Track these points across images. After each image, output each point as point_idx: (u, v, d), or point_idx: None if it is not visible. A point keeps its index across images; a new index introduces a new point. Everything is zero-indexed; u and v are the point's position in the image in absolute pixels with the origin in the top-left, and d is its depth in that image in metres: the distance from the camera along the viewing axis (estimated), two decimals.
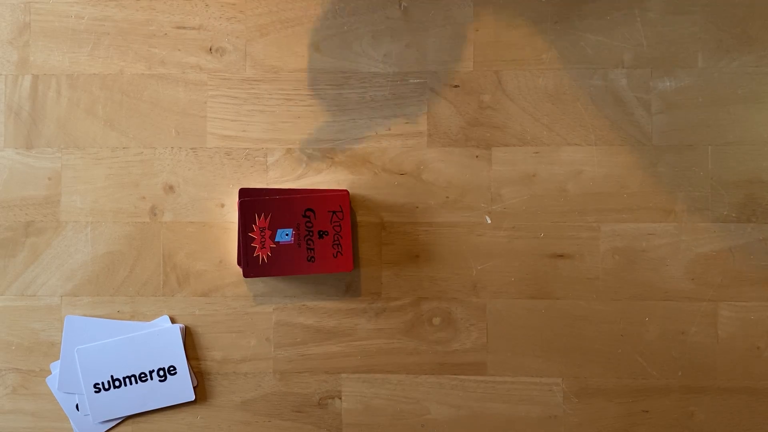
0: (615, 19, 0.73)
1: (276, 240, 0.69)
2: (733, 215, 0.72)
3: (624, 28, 0.73)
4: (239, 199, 0.69)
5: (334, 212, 0.69)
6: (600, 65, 0.73)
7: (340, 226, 0.69)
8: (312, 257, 0.69)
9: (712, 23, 0.72)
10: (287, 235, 0.69)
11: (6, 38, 0.75)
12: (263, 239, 0.69)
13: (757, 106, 0.72)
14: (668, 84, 0.72)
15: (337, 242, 0.69)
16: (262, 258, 0.69)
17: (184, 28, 0.74)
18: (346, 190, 0.70)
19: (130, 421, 0.73)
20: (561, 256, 0.72)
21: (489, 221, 0.73)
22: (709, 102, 0.72)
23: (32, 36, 0.75)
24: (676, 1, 0.73)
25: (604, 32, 0.73)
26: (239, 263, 0.71)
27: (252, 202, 0.69)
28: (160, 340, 0.72)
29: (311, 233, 0.69)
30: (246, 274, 0.69)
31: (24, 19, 0.75)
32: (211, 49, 0.74)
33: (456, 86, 0.73)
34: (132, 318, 0.73)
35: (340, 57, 0.73)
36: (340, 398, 0.72)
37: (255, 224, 0.69)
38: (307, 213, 0.69)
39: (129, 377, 0.72)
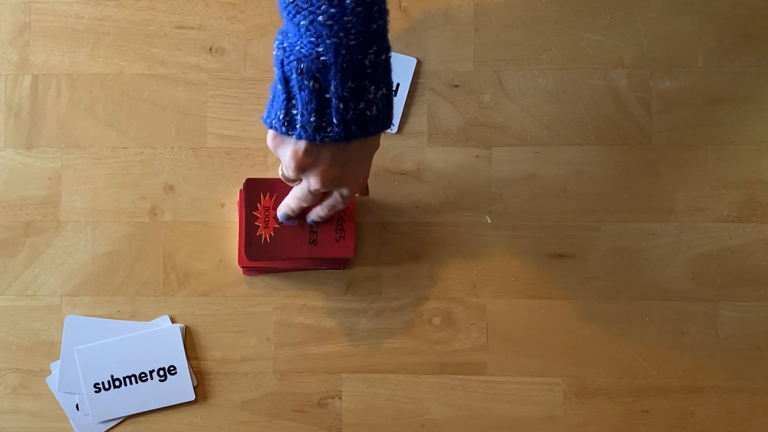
0: (615, 19, 0.73)
1: (280, 221, 0.68)
2: (733, 215, 0.72)
3: (624, 28, 0.73)
4: (246, 183, 0.69)
5: None
6: (600, 65, 0.73)
7: (344, 210, 0.69)
8: (314, 240, 0.68)
9: (712, 23, 0.72)
10: None
11: (6, 38, 0.75)
12: (267, 219, 0.68)
13: (757, 106, 0.72)
14: (668, 84, 0.72)
15: (340, 226, 0.69)
16: (265, 238, 0.68)
17: (184, 28, 0.74)
18: None
19: (130, 421, 0.73)
20: (561, 256, 0.72)
21: (489, 221, 0.73)
22: (709, 102, 0.72)
23: (32, 36, 0.75)
24: (676, 1, 0.73)
25: (604, 32, 0.73)
26: (240, 262, 0.71)
27: (258, 181, 0.68)
28: (160, 340, 0.72)
29: None
30: (248, 254, 0.68)
31: (24, 19, 0.75)
32: (211, 49, 0.74)
33: (456, 86, 0.73)
34: (132, 318, 0.73)
35: None
36: (340, 398, 0.73)
37: (260, 203, 0.68)
38: None
39: (129, 377, 0.72)
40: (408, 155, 0.73)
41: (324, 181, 0.56)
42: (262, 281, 0.73)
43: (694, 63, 0.72)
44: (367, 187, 0.65)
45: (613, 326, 0.72)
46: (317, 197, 0.61)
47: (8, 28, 0.75)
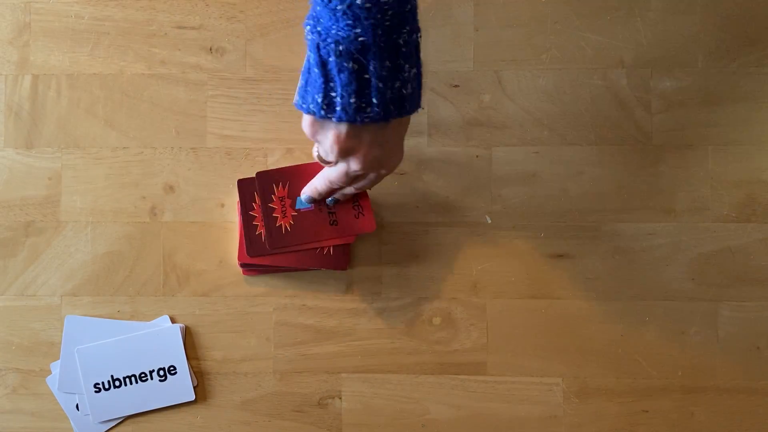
0: (615, 19, 0.73)
1: (297, 208, 0.68)
2: (733, 215, 0.72)
3: (624, 28, 0.73)
4: (256, 176, 0.68)
5: None
6: (600, 65, 0.73)
7: None
8: (335, 221, 0.68)
9: (712, 23, 0.72)
10: None
11: (6, 38, 0.75)
12: (284, 208, 0.68)
13: (757, 106, 0.72)
14: (668, 84, 0.72)
15: (357, 203, 0.69)
16: (285, 227, 0.68)
17: (184, 27, 0.74)
18: None
19: (130, 421, 0.73)
20: (561, 256, 0.72)
21: (489, 221, 0.73)
22: (709, 102, 0.72)
23: (32, 36, 0.75)
24: (676, 1, 0.73)
25: (604, 32, 0.73)
26: (240, 259, 0.71)
27: (269, 172, 0.68)
28: (160, 340, 0.72)
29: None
30: (271, 245, 0.67)
31: (24, 19, 0.75)
32: (211, 49, 0.74)
33: (456, 86, 0.73)
34: (132, 318, 0.73)
35: None
36: (340, 398, 0.73)
37: (274, 194, 0.68)
38: None
39: (129, 377, 0.72)
40: (408, 155, 0.73)
41: (365, 164, 0.56)
42: (262, 281, 0.73)
43: (694, 63, 0.72)
44: None
45: (613, 326, 0.72)
46: (352, 180, 0.61)
47: (8, 28, 0.75)
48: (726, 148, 0.72)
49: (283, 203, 0.68)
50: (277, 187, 0.68)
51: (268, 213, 0.67)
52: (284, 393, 0.73)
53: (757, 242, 0.72)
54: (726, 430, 0.71)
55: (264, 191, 0.67)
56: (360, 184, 0.62)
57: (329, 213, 0.68)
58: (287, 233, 0.67)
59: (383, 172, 0.60)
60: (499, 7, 0.73)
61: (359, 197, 0.68)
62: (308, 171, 0.69)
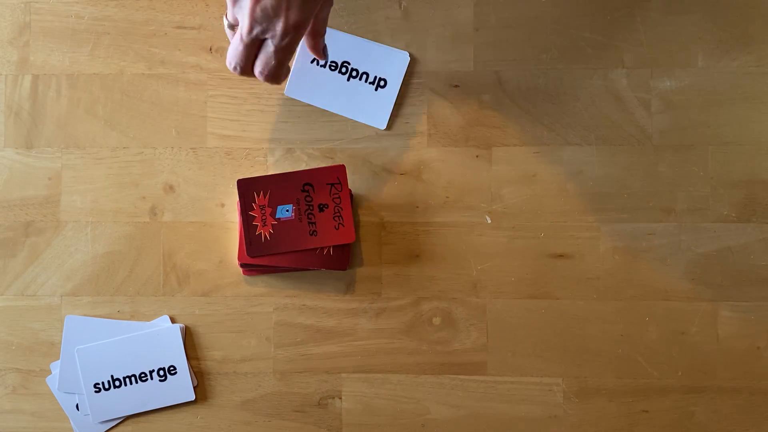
0: (615, 19, 0.73)
1: (277, 217, 0.68)
2: (733, 215, 0.72)
3: (624, 28, 0.73)
4: (238, 184, 0.69)
5: (332, 185, 0.69)
6: (600, 65, 0.73)
7: (339, 197, 0.69)
8: (314, 231, 0.69)
9: (712, 23, 0.72)
10: (287, 210, 0.69)
11: (6, 38, 0.75)
12: (264, 217, 0.68)
13: (757, 106, 0.72)
14: (668, 84, 0.72)
15: (338, 214, 0.69)
16: (265, 236, 0.68)
17: (184, 27, 0.74)
18: (342, 164, 0.70)
19: (130, 421, 0.73)
20: (561, 256, 0.72)
21: (489, 221, 0.73)
22: (709, 102, 0.72)
23: (32, 36, 0.75)
24: (676, 1, 0.73)
25: (604, 32, 0.73)
26: (239, 258, 0.71)
27: (250, 180, 0.68)
28: (160, 340, 0.72)
29: (311, 207, 0.69)
30: (250, 253, 0.68)
31: (24, 19, 0.75)
32: (211, 49, 0.74)
33: (456, 86, 0.73)
34: (132, 318, 0.73)
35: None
36: (340, 398, 0.73)
37: (255, 203, 0.68)
38: (306, 187, 0.69)
39: (129, 377, 0.72)
40: (408, 155, 0.73)
41: (253, 12, 0.55)
42: (262, 281, 0.73)
43: (694, 63, 0.72)
44: (324, 48, 0.63)
45: (613, 326, 0.72)
46: (253, 44, 0.58)
47: (8, 28, 0.75)
48: (726, 148, 0.72)
49: (263, 212, 0.68)
50: (258, 196, 0.68)
51: (248, 221, 0.68)
52: (284, 393, 0.73)
53: (757, 242, 0.72)
54: (726, 430, 0.71)
55: (245, 199, 0.68)
56: (262, 55, 0.58)
57: (309, 223, 0.69)
58: (266, 241, 0.68)
59: (278, 27, 0.56)
60: (499, 7, 0.73)
61: (341, 209, 0.69)
62: (290, 179, 0.69)
